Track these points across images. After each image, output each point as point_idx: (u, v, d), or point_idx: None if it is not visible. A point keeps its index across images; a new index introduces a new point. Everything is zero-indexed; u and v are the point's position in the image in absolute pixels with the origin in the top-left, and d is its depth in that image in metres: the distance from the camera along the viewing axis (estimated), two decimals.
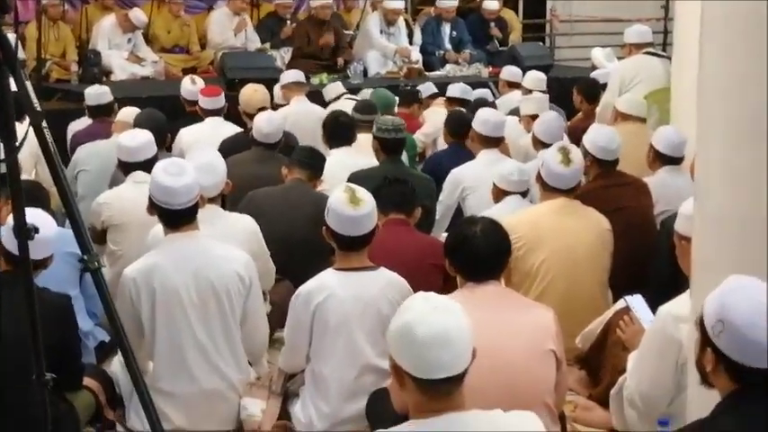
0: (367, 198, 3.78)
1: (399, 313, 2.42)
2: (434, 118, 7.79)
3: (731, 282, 2.36)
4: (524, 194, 5.18)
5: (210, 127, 6.86)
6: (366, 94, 7.98)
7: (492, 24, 11.85)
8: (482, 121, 5.96)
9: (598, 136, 5.30)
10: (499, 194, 5.15)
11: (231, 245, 4.07)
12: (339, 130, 6.03)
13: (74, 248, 2.96)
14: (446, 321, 2.34)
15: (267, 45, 10.85)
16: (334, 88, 8.34)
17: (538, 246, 4.51)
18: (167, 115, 6.53)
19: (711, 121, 2.93)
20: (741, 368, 2.29)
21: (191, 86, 7.55)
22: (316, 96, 8.18)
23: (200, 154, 4.68)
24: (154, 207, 3.90)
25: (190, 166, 3.96)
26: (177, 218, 3.88)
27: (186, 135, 6.73)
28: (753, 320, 2.27)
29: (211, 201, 4.42)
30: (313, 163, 5.30)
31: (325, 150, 5.91)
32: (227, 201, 4.68)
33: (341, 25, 11.29)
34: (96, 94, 7.01)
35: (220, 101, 7.10)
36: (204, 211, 4.12)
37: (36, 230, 2.55)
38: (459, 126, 6.38)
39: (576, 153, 4.77)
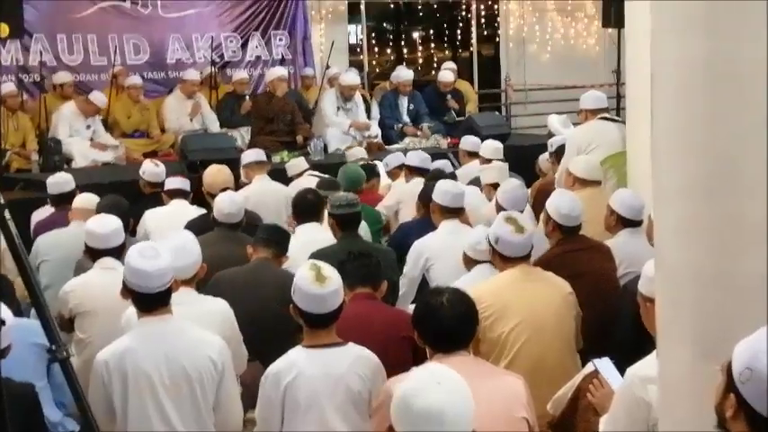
0: (333, 275, 3.80)
1: (407, 379, 2.44)
2: (394, 190, 7.84)
3: (765, 331, 2.36)
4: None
5: (175, 210, 6.85)
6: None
7: (449, 96, 12.01)
8: (442, 192, 6.00)
9: (561, 202, 5.37)
10: (469, 263, 5.16)
11: (205, 328, 4.06)
12: (307, 208, 6.06)
13: (40, 339, 2.96)
14: (445, 399, 2.36)
15: (225, 130, 10.92)
16: (297, 164, 8.40)
17: (505, 314, 4.52)
18: (130, 199, 6.56)
19: (666, 180, 2.96)
20: (763, 419, 2.28)
21: (154, 169, 7.58)
22: (278, 174, 8.23)
23: (173, 236, 4.70)
24: (128, 291, 3.90)
25: (165, 250, 3.97)
26: (151, 302, 3.88)
27: (151, 219, 6.73)
28: None
29: (186, 283, 4.42)
30: (278, 240, 5.32)
31: (290, 228, 5.93)
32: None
33: (299, 102, 11.41)
34: (58, 183, 6.96)
35: (186, 182, 7.14)
36: (179, 295, 4.12)
37: (2, 323, 2.55)
38: (430, 198, 6.38)
39: (522, 219, 4.83)
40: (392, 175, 8.29)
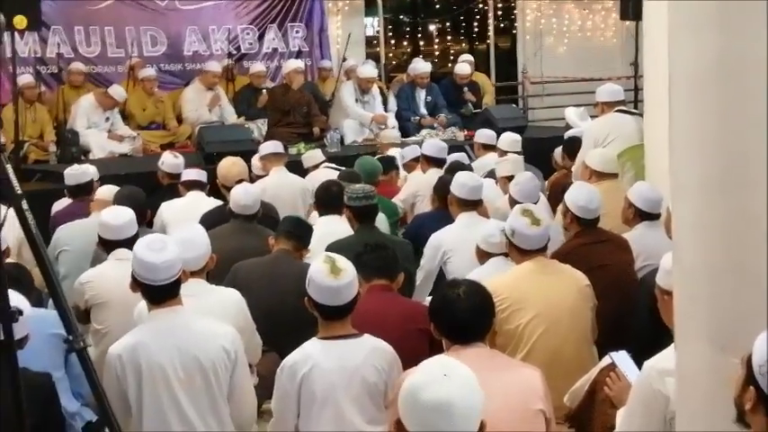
0: (347, 267, 3.79)
1: (415, 372, 2.44)
2: (410, 182, 7.84)
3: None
4: (507, 255, 5.19)
5: (191, 201, 6.88)
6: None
7: (465, 89, 11.98)
8: (459, 184, 6.00)
9: (579, 195, 5.36)
10: (483, 256, 5.15)
11: (217, 319, 4.07)
12: (330, 200, 6.07)
13: (58, 329, 2.97)
14: (452, 392, 2.35)
15: (242, 119, 10.95)
16: (313, 156, 8.40)
17: (521, 306, 4.52)
18: (146, 191, 6.57)
19: (684, 176, 2.96)
20: None
21: (174, 160, 7.61)
22: (294, 166, 8.24)
23: (181, 228, 4.71)
24: (137, 284, 3.91)
25: (171, 242, 3.97)
26: (160, 294, 3.88)
27: (167, 210, 6.75)
28: None
29: (195, 275, 4.43)
30: (300, 234, 5.33)
31: (309, 219, 5.95)
32: (211, 275, 4.69)
33: (315, 94, 11.42)
34: (76, 174, 6.99)
35: (203, 174, 7.16)
36: (188, 285, 4.13)
37: (20, 313, 2.56)
38: (446, 191, 6.38)
39: (539, 211, 4.82)
40: (408, 167, 8.28)
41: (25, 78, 10.00)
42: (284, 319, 4.87)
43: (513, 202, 6.12)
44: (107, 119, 10.37)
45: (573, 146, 7.67)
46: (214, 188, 7.12)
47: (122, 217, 5.12)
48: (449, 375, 2.38)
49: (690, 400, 2.87)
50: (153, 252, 3.85)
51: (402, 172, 8.33)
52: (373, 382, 3.77)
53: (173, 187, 7.30)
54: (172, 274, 3.87)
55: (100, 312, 4.94)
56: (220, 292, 4.59)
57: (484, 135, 8.86)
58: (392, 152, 8.73)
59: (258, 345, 4.68)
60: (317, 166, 8.14)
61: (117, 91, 10.42)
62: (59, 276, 5.77)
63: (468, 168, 7.27)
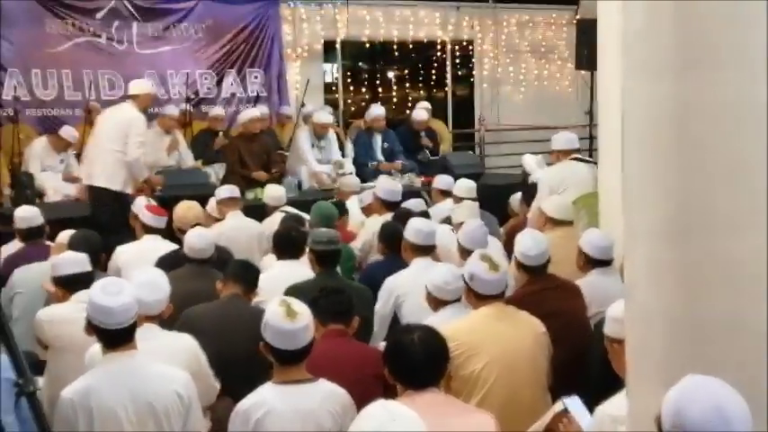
0: (303, 311, 3.79)
1: (359, 418, 2.43)
2: (366, 229, 7.83)
3: (687, 383, 2.39)
4: (459, 301, 5.17)
5: (147, 245, 6.84)
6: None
7: (423, 134, 12.06)
8: (414, 230, 6.01)
9: (521, 243, 5.40)
10: (432, 302, 5.07)
11: (171, 363, 4.04)
12: (289, 243, 6.08)
13: (7, 373, 2.93)
14: None
15: (199, 163, 10.93)
16: (278, 196, 8.40)
17: (477, 352, 4.52)
18: (101, 234, 6.51)
19: (637, 222, 3.00)
20: None
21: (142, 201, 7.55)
22: (251, 211, 8.23)
23: (142, 271, 4.69)
24: (92, 327, 3.88)
25: (128, 285, 3.96)
26: (115, 338, 3.86)
27: (122, 254, 6.71)
28: (705, 427, 2.29)
29: (149, 319, 4.40)
30: (247, 277, 5.31)
31: (261, 264, 5.93)
32: (163, 319, 4.66)
33: (273, 141, 11.43)
34: (27, 217, 6.92)
35: (162, 222, 7.11)
36: (142, 330, 4.10)
37: None
38: (391, 238, 6.40)
39: (498, 257, 4.84)
40: (366, 210, 8.29)
41: None
42: (237, 363, 4.83)
43: (461, 249, 6.13)
44: (62, 161, 10.31)
45: (532, 193, 7.74)
46: (169, 231, 7.09)
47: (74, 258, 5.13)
48: (396, 420, 2.38)
49: None
50: (109, 296, 3.83)
51: (360, 216, 8.34)
52: (327, 427, 3.75)
53: (129, 230, 7.24)
54: (127, 318, 3.84)
55: (53, 354, 4.89)
56: (173, 337, 4.57)
57: (442, 181, 8.90)
58: (352, 199, 8.74)
59: (214, 389, 4.65)
60: (275, 209, 8.14)
61: (68, 132, 10.36)
62: (13, 319, 5.72)
63: (425, 214, 7.29)
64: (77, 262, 5.16)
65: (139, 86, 9.18)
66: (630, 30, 2.97)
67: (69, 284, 5.08)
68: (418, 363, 3.52)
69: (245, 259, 5.80)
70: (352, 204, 8.49)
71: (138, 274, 4.63)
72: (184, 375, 3.96)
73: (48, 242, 6.78)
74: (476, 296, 4.76)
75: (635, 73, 2.97)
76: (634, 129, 3.00)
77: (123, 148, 8.63)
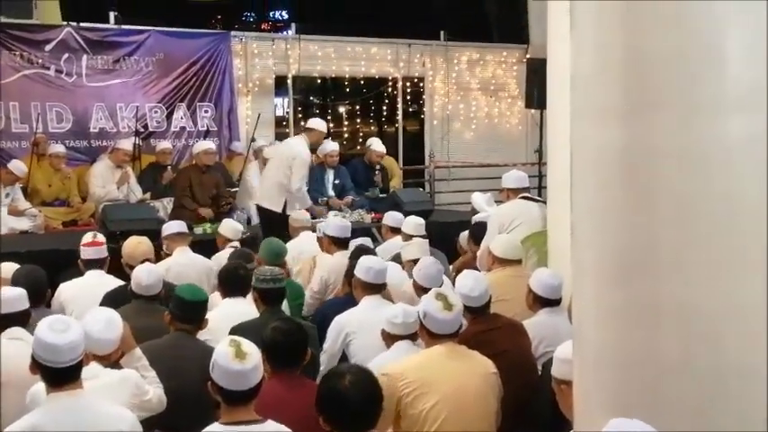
0: (253, 351, 3.76)
1: None
2: (320, 267, 7.75)
3: (612, 426, 2.40)
4: (413, 337, 5.18)
5: (91, 281, 6.71)
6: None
7: (378, 168, 12.02)
8: (364, 268, 6.00)
9: (462, 284, 5.40)
10: (388, 339, 5.13)
11: (112, 399, 3.98)
12: (235, 281, 6.03)
13: None
14: None
15: (147, 195, 10.85)
16: (234, 229, 8.35)
17: (427, 390, 4.51)
18: (47, 269, 6.41)
19: (585, 262, 3.02)
20: None
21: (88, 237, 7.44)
22: (200, 246, 8.17)
23: (99, 310, 4.64)
24: (37, 365, 3.81)
25: (75, 323, 3.89)
26: (61, 376, 3.78)
27: (66, 290, 6.59)
28: None
29: (96, 359, 4.33)
30: (192, 316, 5.23)
31: (211, 299, 5.86)
32: None
33: (224, 175, 11.39)
34: None
35: (102, 251, 7.00)
36: (86, 369, 4.03)
37: None
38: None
39: (453, 297, 4.85)
40: (319, 242, 8.25)
41: None
42: (188, 401, 4.76)
43: (416, 287, 6.15)
44: (7, 194, 10.18)
45: (479, 231, 7.76)
46: (117, 266, 6.99)
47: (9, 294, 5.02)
48: None
49: None
50: (56, 333, 3.77)
51: (311, 251, 8.26)
52: None
53: (75, 266, 7.13)
54: (74, 357, 3.78)
55: None
56: (112, 372, 4.48)
57: (391, 218, 8.88)
58: (303, 234, 8.69)
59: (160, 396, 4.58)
60: (229, 241, 8.09)
61: (17, 166, 10.26)
62: None
63: (372, 252, 7.27)
64: (13, 300, 5.03)
65: (315, 123, 10.10)
66: (579, 73, 3.01)
67: (1, 322, 4.97)
68: (353, 408, 3.50)
69: (187, 293, 5.64)
70: (302, 240, 8.46)
71: (94, 312, 4.56)
72: (130, 416, 3.92)
73: None
74: (429, 334, 4.75)
75: (583, 115, 3.00)
76: (582, 170, 3.02)
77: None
